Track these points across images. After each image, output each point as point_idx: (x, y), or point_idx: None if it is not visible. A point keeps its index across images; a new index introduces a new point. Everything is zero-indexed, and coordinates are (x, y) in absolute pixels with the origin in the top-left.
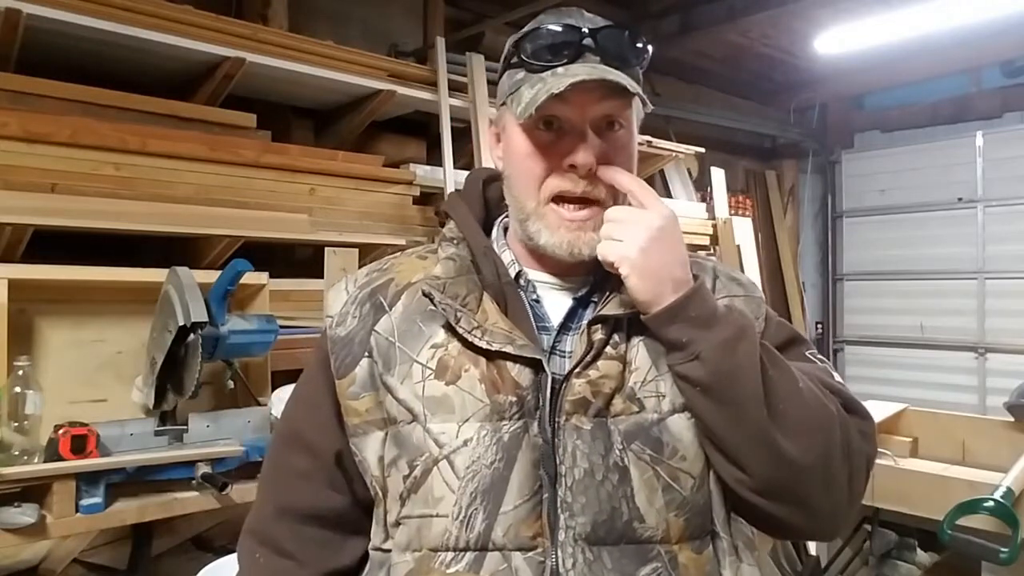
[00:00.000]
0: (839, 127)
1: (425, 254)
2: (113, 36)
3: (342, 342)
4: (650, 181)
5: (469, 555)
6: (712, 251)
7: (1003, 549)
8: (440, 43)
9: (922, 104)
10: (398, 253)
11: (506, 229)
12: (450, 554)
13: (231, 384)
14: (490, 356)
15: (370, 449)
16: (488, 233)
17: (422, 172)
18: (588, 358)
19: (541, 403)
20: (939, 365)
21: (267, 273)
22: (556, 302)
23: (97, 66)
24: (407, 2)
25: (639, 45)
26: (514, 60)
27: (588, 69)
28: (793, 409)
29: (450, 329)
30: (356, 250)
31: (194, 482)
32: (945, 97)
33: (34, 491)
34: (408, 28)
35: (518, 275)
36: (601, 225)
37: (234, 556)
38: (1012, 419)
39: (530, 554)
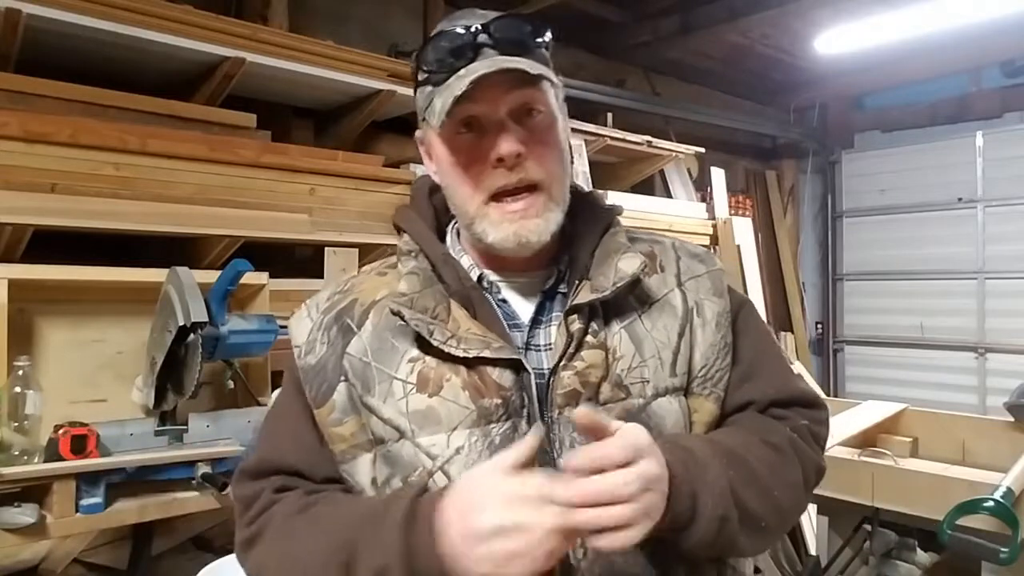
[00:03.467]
0: (839, 127)
1: (384, 270)
2: (113, 36)
3: (314, 370)
4: (650, 181)
5: None
6: (712, 251)
7: (1003, 549)
8: None
9: (922, 104)
10: (355, 273)
11: (459, 233)
12: None
13: (231, 384)
14: (469, 363)
15: (361, 473)
16: (442, 240)
17: (422, 172)
18: (571, 349)
19: (527, 401)
20: (939, 365)
21: (267, 273)
22: (522, 299)
23: (97, 66)
24: (407, 2)
25: (534, 28)
26: (420, 76)
27: (487, 64)
28: (773, 518)
29: (423, 342)
30: (356, 250)
31: (194, 482)
32: (945, 97)
33: (34, 491)
34: (408, 28)
35: (480, 278)
36: (543, 208)
37: (234, 556)
38: (1012, 419)
39: None
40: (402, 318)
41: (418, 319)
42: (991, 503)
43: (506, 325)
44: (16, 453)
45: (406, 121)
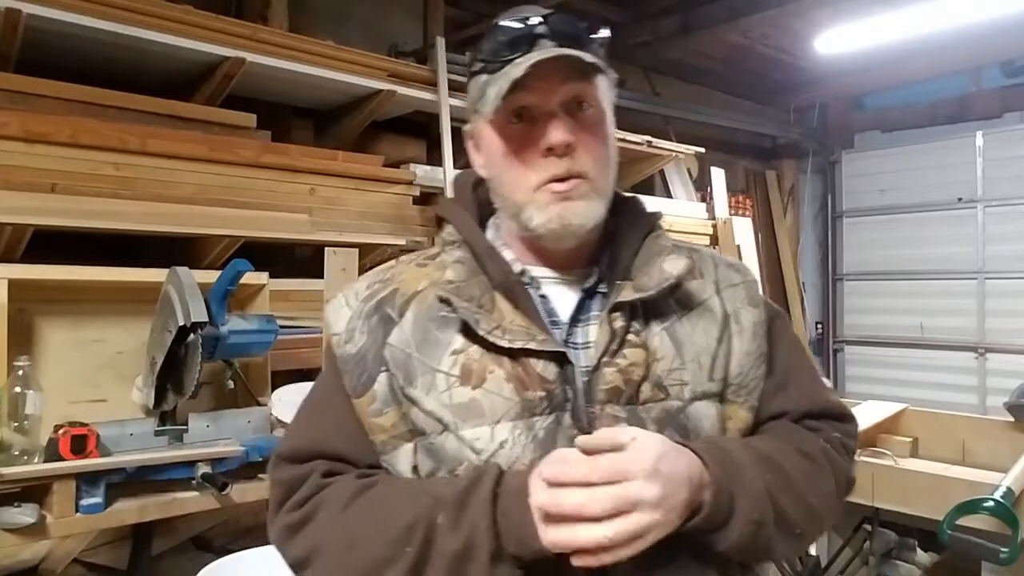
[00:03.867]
0: (839, 127)
1: (424, 261)
2: (113, 36)
3: (353, 360)
4: (650, 181)
5: None
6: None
7: (1003, 549)
8: (440, 43)
9: (922, 104)
10: (393, 262)
11: (499, 228)
12: None
13: (231, 384)
14: (513, 355)
15: (402, 463)
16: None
17: (422, 172)
18: (613, 346)
19: (571, 395)
20: (939, 365)
21: (267, 273)
22: (562, 296)
23: (97, 66)
24: (407, 2)
25: (591, 25)
26: (475, 67)
27: (544, 52)
28: (808, 524)
29: (468, 333)
30: (356, 250)
31: (194, 482)
32: (945, 97)
33: (34, 491)
34: (408, 28)
35: (522, 272)
36: (587, 195)
37: (234, 556)
38: (1012, 419)
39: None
40: (450, 305)
41: (465, 307)
42: (991, 503)
43: (547, 321)
44: (16, 453)
45: (406, 121)
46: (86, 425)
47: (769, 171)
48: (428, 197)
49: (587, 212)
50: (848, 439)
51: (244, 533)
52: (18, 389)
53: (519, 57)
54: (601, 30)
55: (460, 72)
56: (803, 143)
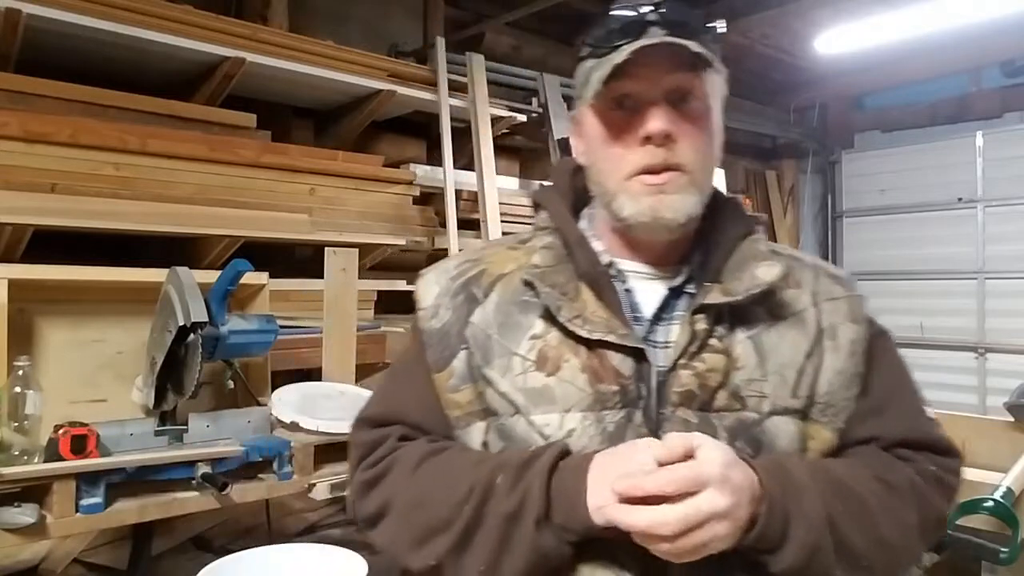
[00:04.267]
0: (839, 127)
1: (516, 244)
2: (113, 36)
3: (437, 335)
4: None
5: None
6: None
7: (1003, 549)
8: (440, 43)
9: (922, 104)
10: (486, 243)
11: (593, 219)
12: None
13: (231, 384)
14: (590, 345)
15: (474, 440)
16: (577, 222)
17: (422, 172)
18: (692, 348)
19: (645, 393)
20: (939, 365)
21: (267, 273)
22: (648, 292)
23: (97, 66)
24: (407, 2)
25: (706, 14)
26: (583, 52)
27: (651, 39)
28: (879, 556)
29: (549, 318)
30: (356, 250)
31: (194, 482)
32: (945, 97)
33: (34, 491)
34: (408, 28)
35: (610, 264)
36: (684, 188)
37: (234, 556)
38: (1012, 419)
39: (634, 543)
40: (533, 289)
41: (548, 292)
42: (991, 503)
43: (629, 316)
44: (16, 453)
45: (406, 121)
46: (86, 425)
47: (769, 171)
48: (428, 197)
49: (681, 206)
50: (946, 474)
51: (244, 533)
52: (18, 389)
53: (626, 44)
54: (717, 20)
55: (460, 72)
56: (803, 143)
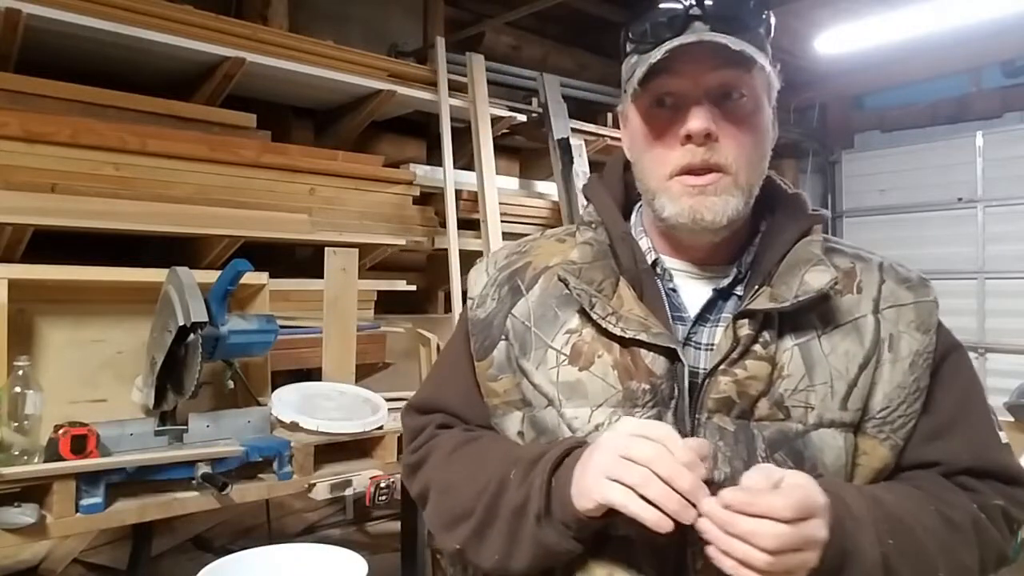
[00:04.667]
0: (839, 127)
1: (564, 236)
2: (113, 36)
3: (482, 324)
4: None
5: (588, 545)
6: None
7: None
8: (440, 43)
9: (922, 104)
10: (539, 234)
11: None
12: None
13: (231, 384)
14: (624, 343)
15: (510, 430)
16: (627, 218)
17: (422, 172)
18: (734, 355)
19: (676, 394)
20: None
21: (267, 273)
22: (694, 292)
23: (97, 66)
24: (407, 2)
25: (754, 7)
26: (628, 47)
27: (691, 36)
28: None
29: (584, 314)
30: (356, 250)
31: (194, 482)
32: (945, 97)
33: (34, 491)
34: (408, 28)
35: (655, 262)
36: (726, 190)
37: (234, 556)
38: (1012, 419)
39: (654, 546)
40: (567, 285)
41: (582, 289)
42: None
43: (670, 315)
44: (16, 453)
45: (406, 121)
46: (86, 425)
47: (769, 171)
48: (428, 197)
49: (722, 208)
50: (1013, 507)
51: (244, 533)
52: (18, 389)
53: (669, 39)
54: (765, 12)
55: (460, 72)
56: (803, 143)
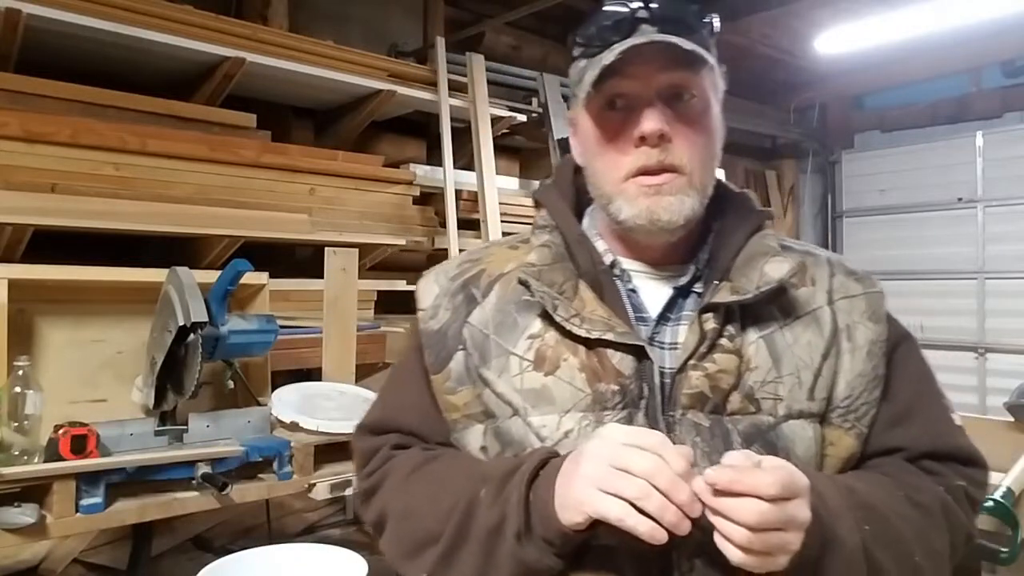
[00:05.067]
0: (839, 127)
1: (516, 243)
2: (113, 36)
3: (436, 336)
4: None
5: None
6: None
7: (1003, 549)
8: (440, 43)
9: (922, 104)
10: (488, 243)
11: (596, 217)
12: None
13: (231, 384)
14: (589, 344)
15: (472, 444)
16: (580, 221)
17: (422, 172)
18: (703, 349)
19: (646, 393)
20: (939, 365)
21: (267, 273)
22: (654, 292)
23: (97, 66)
24: (407, 2)
25: (699, 9)
26: (576, 52)
27: (641, 38)
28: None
29: (547, 318)
30: (356, 250)
31: (194, 482)
32: (945, 97)
33: (34, 491)
34: (408, 28)
35: (613, 263)
36: (681, 189)
37: (234, 556)
38: (1012, 419)
39: (636, 551)
40: (528, 288)
41: (544, 291)
42: (991, 503)
43: (632, 316)
44: (16, 453)
45: (406, 121)
46: (86, 425)
47: (769, 171)
48: (428, 197)
49: (678, 207)
50: (974, 488)
51: (244, 533)
52: (18, 389)
53: (618, 43)
54: (711, 14)
55: (460, 72)
56: (803, 143)
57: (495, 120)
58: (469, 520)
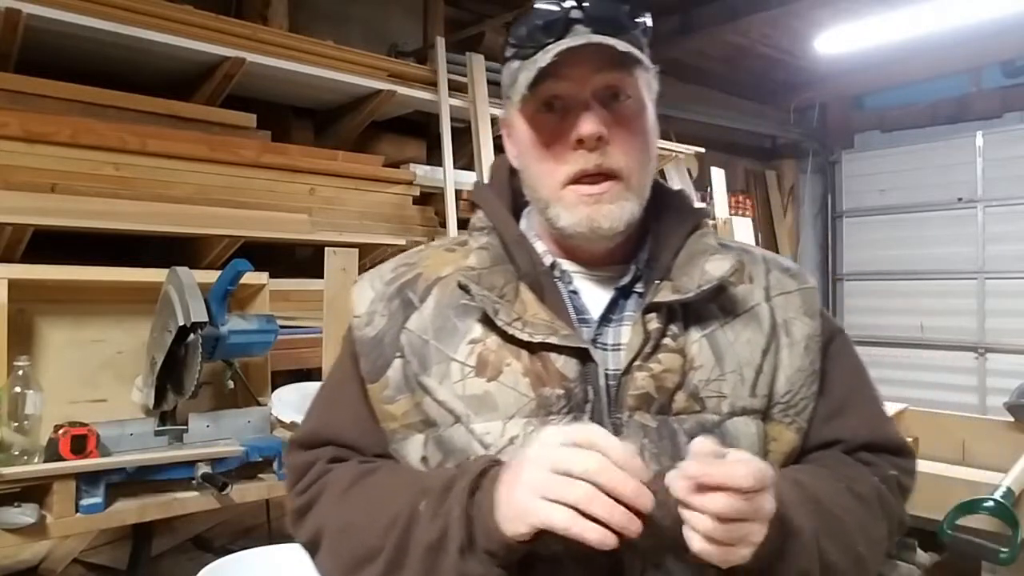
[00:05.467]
0: (839, 127)
1: (453, 246)
2: (113, 36)
3: (371, 343)
4: None
5: (516, 565)
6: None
7: (1003, 549)
8: (440, 43)
9: (922, 104)
10: (423, 246)
11: (533, 219)
12: None
13: (231, 384)
14: (532, 348)
15: (412, 454)
16: (517, 222)
17: (422, 172)
18: (647, 349)
19: (591, 396)
20: (939, 365)
21: (267, 273)
22: (595, 293)
23: (97, 66)
24: (407, 2)
25: (632, 8)
26: (508, 52)
27: (576, 39)
28: (855, 574)
29: (487, 322)
30: (356, 250)
31: (194, 482)
32: (945, 97)
33: (34, 491)
34: (408, 28)
35: (553, 265)
36: (620, 195)
37: (234, 556)
38: (1012, 419)
39: (584, 557)
40: (468, 292)
41: (484, 295)
42: (991, 503)
43: (574, 318)
44: (16, 453)
45: (406, 121)
46: (86, 425)
47: (769, 171)
48: (428, 197)
49: (618, 215)
50: (905, 477)
51: (244, 533)
52: (18, 389)
53: (552, 43)
54: (643, 14)
55: (460, 72)
56: (803, 143)
57: (495, 120)
58: (409, 535)
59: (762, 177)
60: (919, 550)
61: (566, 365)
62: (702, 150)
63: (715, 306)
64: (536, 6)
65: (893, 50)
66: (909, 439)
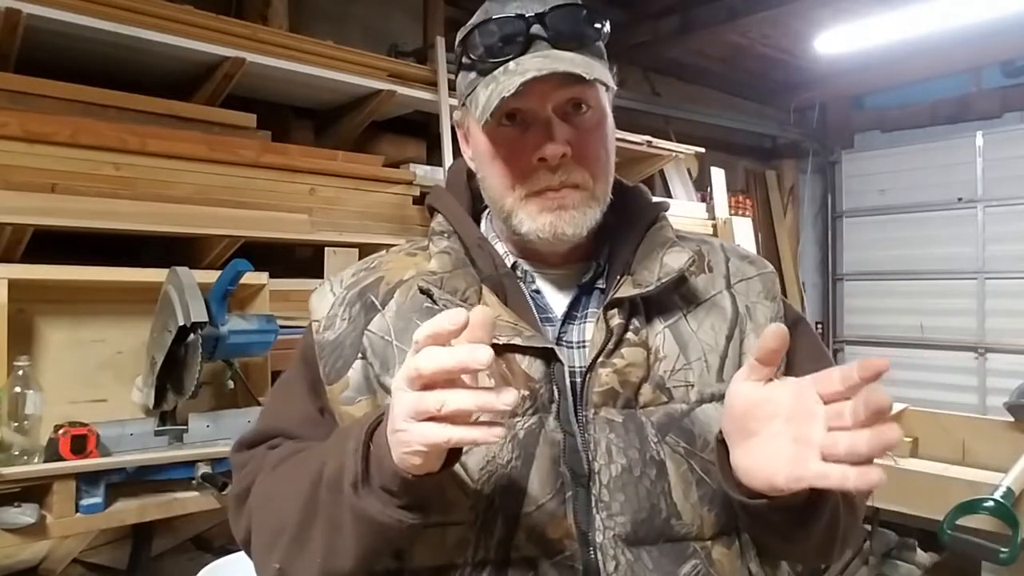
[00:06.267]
0: (839, 127)
1: (414, 251)
2: (113, 36)
3: (331, 346)
4: (650, 181)
5: (490, 568)
6: None
7: (1003, 549)
8: (440, 43)
9: (922, 104)
10: (383, 251)
11: (493, 221)
12: (468, 569)
13: (231, 384)
14: (497, 351)
15: None
16: (477, 224)
17: (422, 172)
18: (610, 345)
19: (557, 396)
20: (939, 365)
21: (267, 273)
22: (557, 291)
23: (97, 66)
24: (407, 2)
25: (591, 19)
26: (465, 61)
27: (539, 61)
28: (849, 531)
29: None
30: (356, 250)
31: (194, 482)
32: (945, 97)
33: (34, 491)
34: (408, 28)
35: (514, 266)
36: (583, 202)
37: (234, 556)
38: (1012, 419)
39: (558, 558)
40: (430, 296)
41: (447, 299)
42: (991, 503)
43: (538, 317)
44: (16, 453)
45: (406, 121)
46: (86, 425)
47: (769, 171)
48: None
49: (581, 221)
50: None
51: None
52: (18, 389)
53: (511, 60)
54: (603, 23)
55: None
56: (803, 143)
57: None
58: (316, 491)
59: (762, 177)
60: (919, 550)
61: (531, 366)
62: (702, 150)
63: (677, 297)
64: (494, 16)
65: (893, 50)
66: (909, 439)
